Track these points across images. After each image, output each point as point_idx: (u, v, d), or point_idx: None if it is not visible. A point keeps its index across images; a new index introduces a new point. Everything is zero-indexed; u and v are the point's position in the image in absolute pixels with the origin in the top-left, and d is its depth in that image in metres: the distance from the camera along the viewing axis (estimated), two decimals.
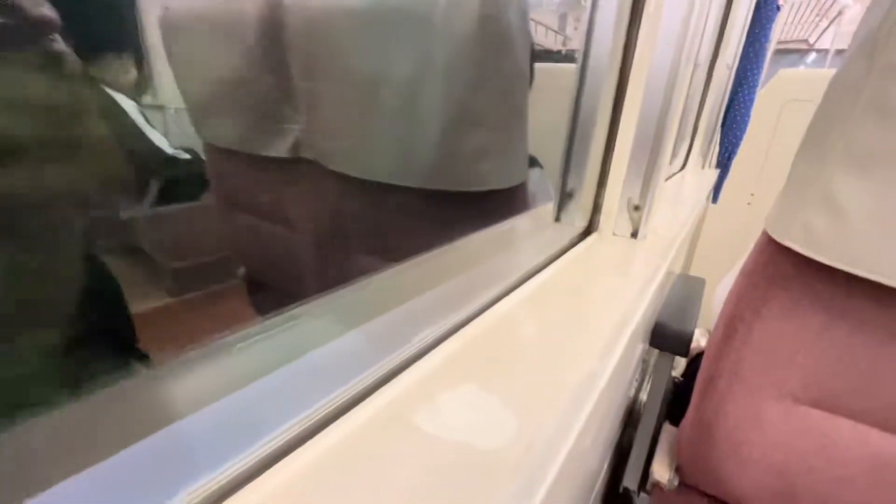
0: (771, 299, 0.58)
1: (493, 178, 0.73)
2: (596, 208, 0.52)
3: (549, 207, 0.58)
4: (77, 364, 0.42)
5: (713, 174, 1.51)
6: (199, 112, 0.99)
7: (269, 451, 0.18)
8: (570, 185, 0.51)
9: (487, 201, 0.73)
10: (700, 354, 1.06)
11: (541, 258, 0.41)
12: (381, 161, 0.79)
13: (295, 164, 0.89)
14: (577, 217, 0.51)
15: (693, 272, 1.45)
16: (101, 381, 0.23)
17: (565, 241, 0.47)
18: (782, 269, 0.56)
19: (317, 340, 0.24)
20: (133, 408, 0.23)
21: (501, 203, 0.75)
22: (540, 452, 0.18)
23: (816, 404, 0.59)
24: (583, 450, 0.21)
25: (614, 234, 0.52)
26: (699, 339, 1.49)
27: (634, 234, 0.52)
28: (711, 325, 1.20)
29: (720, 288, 1.03)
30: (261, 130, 0.92)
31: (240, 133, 0.94)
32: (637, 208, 0.50)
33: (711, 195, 1.53)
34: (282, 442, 0.19)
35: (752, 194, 1.84)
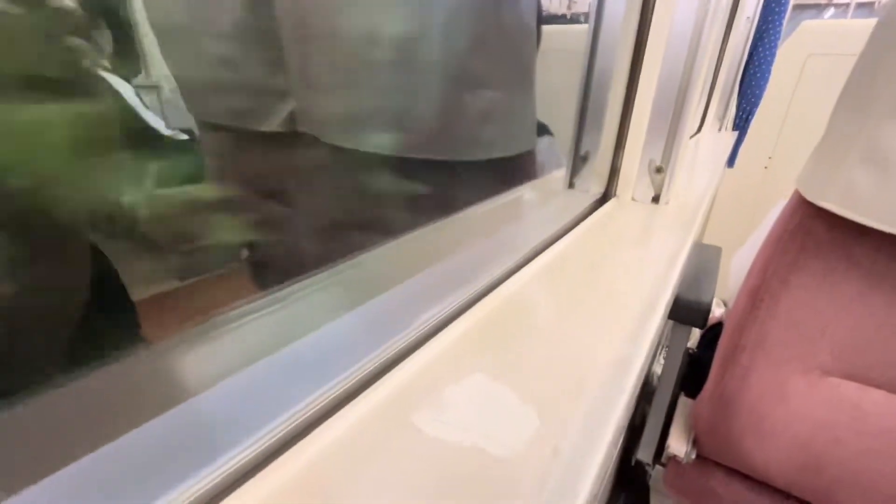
0: (802, 267, 0.54)
1: (499, 146, 0.69)
2: (613, 172, 0.47)
3: (560, 174, 0.53)
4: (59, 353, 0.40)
5: (730, 137, 1.43)
6: (186, 86, 0.94)
7: (240, 463, 0.15)
8: (585, 146, 0.47)
9: (493, 171, 0.69)
10: (716, 325, 1.03)
11: (554, 228, 0.37)
12: (377, 131, 0.74)
13: (290, 139, 0.85)
14: (592, 182, 0.47)
15: (706, 240, 1.40)
16: (79, 373, 0.20)
17: (580, 209, 0.43)
18: (815, 234, 0.52)
19: (302, 328, 0.21)
20: (99, 407, 0.20)
21: (508, 172, 0.70)
22: (569, 458, 0.15)
23: (847, 375, 0.56)
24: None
25: (634, 200, 0.48)
26: (713, 310, 1.46)
27: (656, 200, 0.47)
28: (725, 296, 1.16)
29: (737, 258, 0.98)
30: (252, 103, 0.87)
31: (229, 107, 0.90)
32: (659, 170, 0.45)
33: (727, 159, 1.45)
34: (258, 450, 0.16)
35: (769, 157, 1.75)
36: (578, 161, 0.47)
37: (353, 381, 0.19)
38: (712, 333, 1.02)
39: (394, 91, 0.69)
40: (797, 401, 0.57)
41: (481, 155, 0.70)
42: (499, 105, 0.66)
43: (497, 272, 0.28)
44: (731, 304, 0.73)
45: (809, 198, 0.49)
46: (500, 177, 0.69)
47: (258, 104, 0.88)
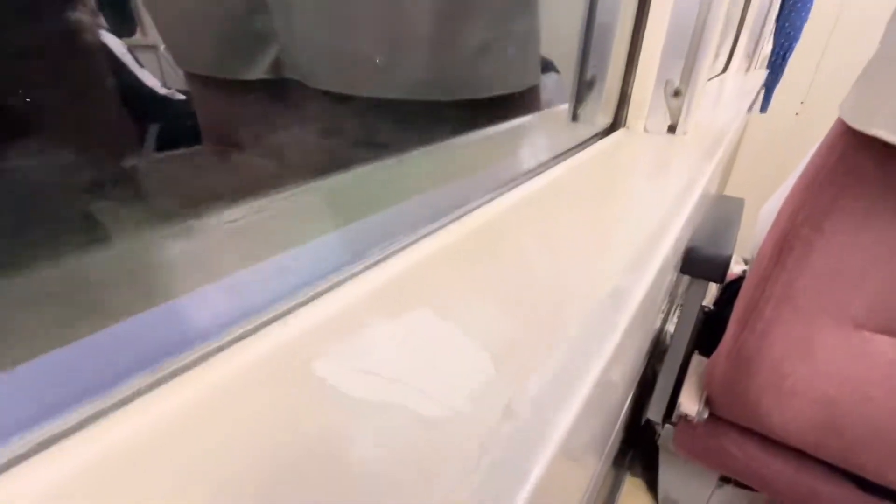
0: (840, 209, 0.47)
1: (499, 82, 0.62)
2: (623, 99, 0.41)
3: (562, 108, 0.47)
4: None
5: (760, 77, 1.30)
6: (169, 35, 0.88)
7: (90, 413, 0.11)
8: (591, 70, 0.40)
9: (493, 110, 0.63)
10: (735, 281, 0.97)
11: (547, 157, 0.32)
12: (366, 73, 0.68)
13: (276, 87, 0.79)
14: (599, 112, 0.41)
15: (728, 193, 1.31)
16: None
17: (582, 139, 0.38)
18: (859, 170, 0.45)
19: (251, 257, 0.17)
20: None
21: (510, 111, 0.64)
22: (526, 420, 0.11)
23: (882, 329, 0.51)
24: (600, 403, 0.14)
25: (646, 131, 0.42)
26: (732, 266, 1.39)
27: (672, 129, 0.41)
28: (749, 252, 1.09)
29: (765, 209, 0.90)
30: (235, 51, 0.81)
31: (210, 56, 0.84)
32: (677, 94, 0.39)
33: (759, 104, 1.32)
34: (114, 399, 0.12)
35: (801, 103, 1.61)
36: (583, 88, 0.41)
37: (248, 326, 0.14)
38: (731, 290, 0.96)
39: (382, 28, 0.62)
40: (825, 357, 0.52)
41: (479, 93, 0.63)
42: (497, 36, 0.59)
43: (474, 199, 0.24)
44: (755, 256, 0.67)
45: (855, 125, 0.42)
46: (500, 116, 0.63)
47: (240, 51, 0.81)
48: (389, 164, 0.31)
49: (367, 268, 0.17)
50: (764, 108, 1.37)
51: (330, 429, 0.11)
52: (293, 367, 0.12)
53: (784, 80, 1.50)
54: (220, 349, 0.13)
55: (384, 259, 0.18)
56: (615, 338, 0.14)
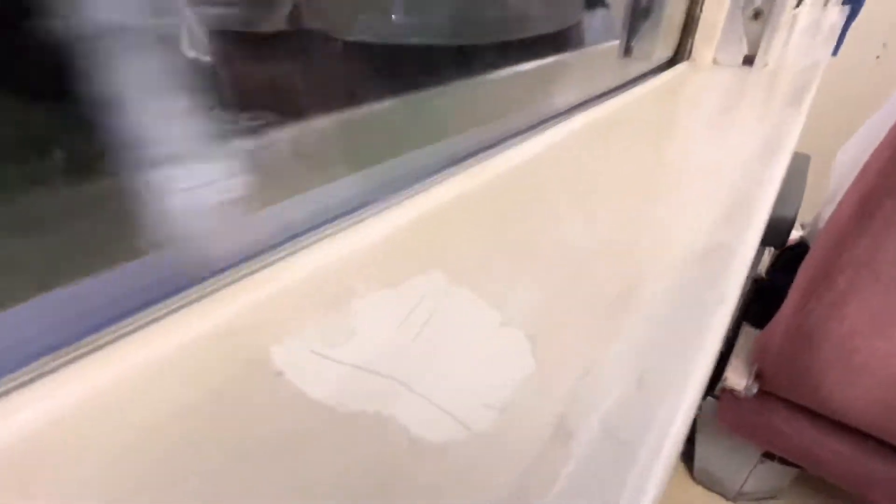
0: None
1: (533, 21, 0.55)
2: (689, 24, 0.34)
3: (611, 45, 0.40)
4: None
5: (840, 14, 1.13)
6: None
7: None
8: None
9: (528, 52, 0.56)
10: (795, 247, 0.88)
11: (592, 92, 0.26)
12: (392, 19, 0.62)
13: (296, 39, 0.75)
14: (657, 44, 0.34)
15: None
16: None
17: (635, 74, 0.31)
18: None
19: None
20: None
21: (546, 53, 0.57)
22: (592, 446, 0.07)
23: None
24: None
25: (716, 63, 0.35)
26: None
27: (749, 61, 0.34)
28: (808, 216, 0.98)
29: (843, 153, 0.79)
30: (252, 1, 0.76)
31: (229, 7, 0.79)
32: (758, 15, 0.31)
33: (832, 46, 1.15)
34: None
35: (883, 45, 1.39)
36: (639, 16, 0.34)
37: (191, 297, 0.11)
38: (786, 257, 0.88)
39: None
40: None
41: (510, 35, 0.56)
42: None
43: (501, 137, 0.19)
44: (826, 216, 0.58)
45: None
46: (531, 60, 0.56)
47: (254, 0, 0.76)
48: (401, 111, 0.26)
49: (362, 220, 0.13)
50: (835, 52, 1.19)
51: (273, 445, 0.07)
52: (246, 351, 0.09)
53: (863, 19, 1.29)
54: (152, 322, 0.09)
55: (385, 209, 0.13)
56: (726, 311, 0.09)
